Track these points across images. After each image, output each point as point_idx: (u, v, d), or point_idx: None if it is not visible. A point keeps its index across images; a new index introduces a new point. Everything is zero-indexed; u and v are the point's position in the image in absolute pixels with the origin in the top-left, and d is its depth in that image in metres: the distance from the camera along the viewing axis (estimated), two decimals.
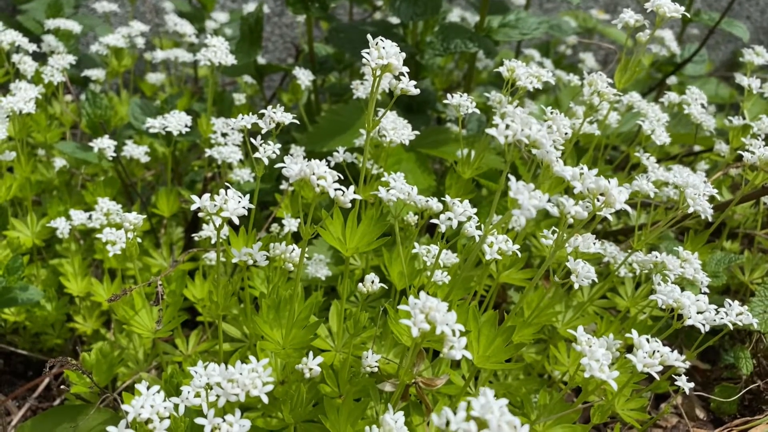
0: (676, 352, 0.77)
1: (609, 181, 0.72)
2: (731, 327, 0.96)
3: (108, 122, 1.68)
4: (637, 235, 1.04)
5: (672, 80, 2.17)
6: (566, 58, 2.71)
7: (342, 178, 0.79)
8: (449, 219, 0.88)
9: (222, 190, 0.83)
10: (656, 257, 1.03)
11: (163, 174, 1.94)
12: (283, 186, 1.48)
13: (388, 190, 0.92)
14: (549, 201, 0.68)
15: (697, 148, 1.85)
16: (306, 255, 1.46)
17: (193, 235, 1.34)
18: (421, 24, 1.80)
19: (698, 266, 1.04)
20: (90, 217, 1.38)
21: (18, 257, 1.39)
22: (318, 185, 0.75)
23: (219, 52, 1.44)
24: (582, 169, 0.75)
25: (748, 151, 1.07)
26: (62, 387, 1.30)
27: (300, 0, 1.64)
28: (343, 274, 1.10)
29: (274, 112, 1.00)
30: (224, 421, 0.69)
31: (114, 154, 1.47)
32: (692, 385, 0.97)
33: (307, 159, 1.54)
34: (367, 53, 0.85)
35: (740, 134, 1.42)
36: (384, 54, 0.85)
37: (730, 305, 0.98)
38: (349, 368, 1.06)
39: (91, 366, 1.22)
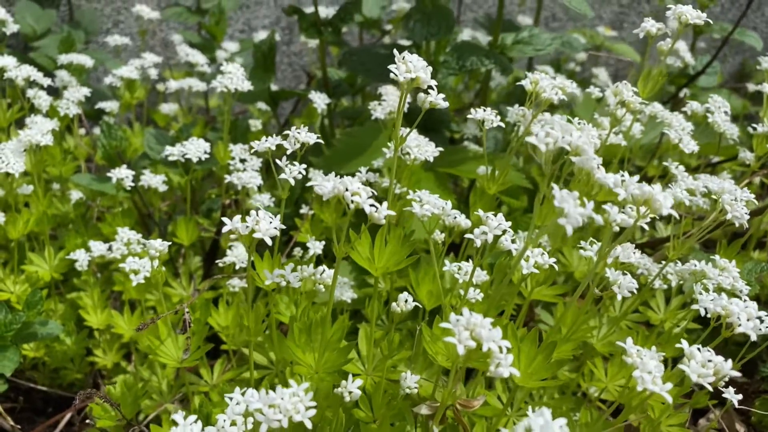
0: (729, 361, 0.75)
1: (653, 187, 0.70)
2: None
3: (124, 153, 1.67)
4: (672, 244, 1.02)
5: (683, 93, 2.16)
6: (576, 75, 2.70)
7: (374, 193, 0.77)
8: (484, 233, 0.86)
9: (252, 211, 0.81)
10: (695, 265, 1.00)
11: (179, 204, 1.93)
12: (303, 210, 1.46)
13: (421, 206, 0.90)
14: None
15: (715, 159, 1.83)
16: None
17: (217, 261, 1.33)
18: (433, 45, 1.79)
19: (737, 274, 1.02)
20: (110, 248, 1.36)
21: (37, 291, 1.38)
22: (352, 202, 0.73)
23: (235, 78, 1.44)
24: (623, 176, 0.73)
25: None
26: (86, 421, 1.27)
27: (313, 25, 1.64)
28: (370, 296, 1.07)
29: (299, 132, 0.99)
30: None
31: (132, 184, 1.46)
32: (740, 397, 0.94)
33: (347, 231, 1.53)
34: (395, 68, 0.84)
35: (765, 141, 1.40)
36: (412, 68, 0.83)
37: None
38: (383, 392, 1.04)
39: (116, 399, 1.19)
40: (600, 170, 0.72)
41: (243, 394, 0.73)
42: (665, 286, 1.15)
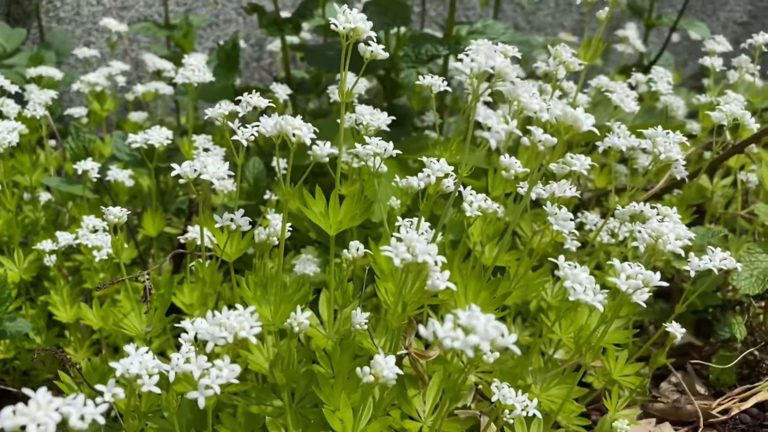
0: (658, 273, 0.78)
1: (575, 109, 0.74)
2: (716, 272, 0.96)
3: (92, 153, 1.70)
4: (613, 197, 1.06)
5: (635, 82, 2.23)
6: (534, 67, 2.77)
7: (317, 131, 0.81)
8: (428, 177, 0.89)
9: (201, 156, 0.84)
10: (634, 206, 1.04)
11: (149, 206, 1.95)
12: (267, 196, 1.49)
13: (364, 146, 0.94)
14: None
15: None
16: (293, 260, 1.46)
17: (179, 236, 1.35)
18: (394, 42, 1.85)
19: (678, 219, 1.05)
20: (76, 237, 1.38)
21: (5, 288, 1.39)
22: (294, 135, 0.77)
23: (197, 70, 1.48)
24: (548, 102, 0.77)
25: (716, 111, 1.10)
26: None
27: (273, 22, 1.69)
28: (329, 264, 1.10)
29: (251, 97, 1.03)
30: (213, 365, 0.69)
31: (98, 176, 1.48)
32: (684, 331, 0.98)
33: (293, 172, 1.56)
34: (335, 22, 0.88)
35: (709, 110, 1.46)
36: (351, 18, 0.88)
37: (713, 251, 0.99)
38: (340, 349, 1.06)
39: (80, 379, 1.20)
40: (525, 96, 0.76)
41: (193, 323, 0.75)
42: (613, 240, 1.19)
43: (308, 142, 0.78)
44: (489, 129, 0.68)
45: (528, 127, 0.74)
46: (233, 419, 1.02)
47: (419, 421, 1.00)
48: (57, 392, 1.42)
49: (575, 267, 0.76)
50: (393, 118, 1.23)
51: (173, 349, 1.36)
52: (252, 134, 1.03)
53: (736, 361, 1.28)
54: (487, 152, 1.76)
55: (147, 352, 0.74)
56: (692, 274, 0.92)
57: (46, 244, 1.42)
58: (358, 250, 0.99)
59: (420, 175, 0.91)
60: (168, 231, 1.77)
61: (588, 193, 1.56)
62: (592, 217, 1.13)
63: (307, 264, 1.29)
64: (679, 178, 1.08)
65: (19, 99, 1.84)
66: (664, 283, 0.78)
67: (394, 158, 1.66)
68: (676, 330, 0.98)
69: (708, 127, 1.50)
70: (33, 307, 1.68)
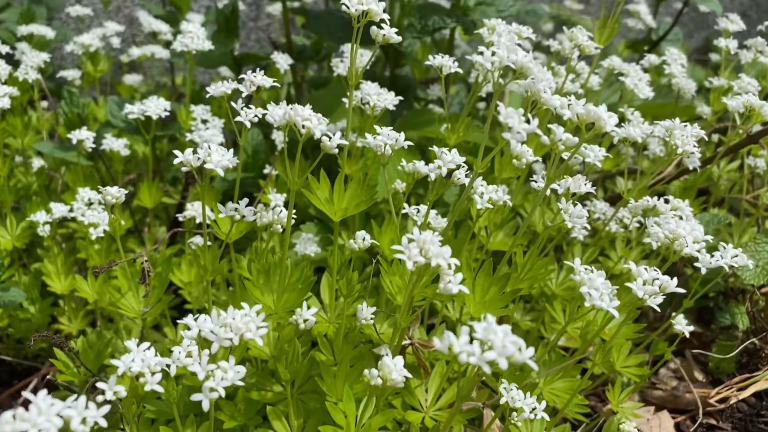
0: (675, 279, 0.76)
1: (599, 107, 0.71)
2: (727, 269, 0.95)
3: (86, 120, 1.65)
4: (625, 187, 1.03)
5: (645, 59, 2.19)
6: (542, 47, 2.72)
7: (326, 121, 0.77)
8: (438, 168, 0.86)
9: (205, 144, 0.81)
10: (647, 201, 1.02)
11: (144, 174, 1.91)
12: (267, 170, 1.46)
13: (374, 137, 0.91)
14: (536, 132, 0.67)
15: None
16: (293, 239, 1.44)
17: (177, 215, 1.32)
18: (398, 10, 1.79)
19: (689, 213, 1.03)
20: (71, 209, 1.34)
21: None
22: (303, 127, 0.73)
23: (195, 38, 1.43)
24: (570, 99, 0.74)
25: (734, 98, 1.07)
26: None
27: None
28: (333, 246, 1.08)
29: (255, 76, 0.99)
30: (218, 367, 0.67)
31: (93, 145, 1.44)
32: (691, 328, 0.96)
33: (290, 147, 1.52)
34: (346, 3, 0.84)
35: (721, 95, 1.43)
36: (364, 0, 0.84)
37: (725, 248, 0.97)
38: (343, 336, 1.04)
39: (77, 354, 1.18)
40: (547, 92, 0.73)
41: (196, 320, 0.72)
42: (621, 230, 1.17)
43: (318, 135, 0.74)
44: (509, 129, 0.65)
45: (548, 126, 0.71)
46: (232, 405, 1.00)
47: (422, 411, 0.99)
48: (50, 365, 1.40)
49: (591, 271, 0.74)
50: (399, 98, 1.19)
51: (170, 326, 1.34)
52: (256, 116, 0.99)
53: (736, 351, 1.28)
54: (491, 128, 1.72)
55: (149, 348, 0.72)
56: (703, 270, 0.90)
57: (40, 216, 1.39)
58: (363, 239, 0.96)
59: (430, 166, 0.87)
60: (164, 201, 1.74)
61: (594, 174, 1.54)
62: (601, 206, 1.10)
63: (308, 244, 1.27)
64: (691, 168, 1.05)
65: (10, 58, 1.79)
66: (681, 290, 0.76)
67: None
68: (683, 326, 0.97)
69: (718, 111, 1.47)
70: (26, 273, 1.65)
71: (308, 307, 0.86)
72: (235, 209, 0.87)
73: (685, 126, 0.95)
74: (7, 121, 1.77)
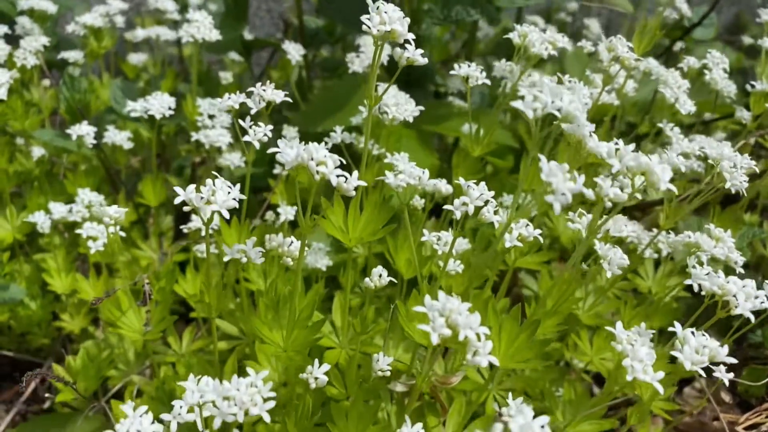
0: (725, 346, 0.69)
1: (650, 158, 0.63)
2: None
3: (87, 107, 1.57)
4: (665, 212, 0.95)
5: (677, 46, 2.07)
6: (568, 25, 2.60)
7: (343, 162, 0.70)
8: (464, 204, 0.78)
9: (209, 180, 0.73)
10: (689, 237, 0.94)
11: (151, 159, 1.84)
12: (277, 170, 1.38)
13: (396, 175, 0.83)
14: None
15: (708, 116, 1.76)
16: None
17: (182, 227, 1.25)
18: None
19: (732, 245, 0.96)
20: (71, 210, 1.28)
21: None
22: (318, 172, 0.66)
23: (202, 27, 1.34)
24: (617, 143, 0.66)
25: None
26: (47, 395, 1.21)
27: None
28: (345, 263, 1.01)
29: (264, 90, 0.91)
30: None
31: (94, 141, 1.36)
32: (731, 375, 0.90)
33: (301, 140, 1.44)
34: (368, 19, 0.75)
35: (762, 100, 1.33)
36: (387, 19, 0.75)
37: None
38: (356, 367, 0.98)
39: (77, 372, 1.13)
40: (593, 138, 0.64)
41: (198, 381, 0.66)
42: (656, 255, 1.09)
43: (334, 182, 0.67)
44: (552, 191, 0.57)
45: (595, 180, 0.63)
46: None
47: None
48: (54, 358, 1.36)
49: (635, 339, 0.67)
50: (421, 108, 1.10)
51: (174, 335, 1.29)
52: (265, 134, 0.92)
53: (767, 380, 1.21)
54: (513, 123, 1.63)
55: (146, 412, 0.66)
56: (752, 319, 0.81)
57: (39, 216, 1.32)
58: (380, 276, 0.89)
59: (456, 202, 0.80)
60: (169, 194, 1.67)
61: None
62: (632, 228, 1.03)
63: (318, 256, 1.20)
64: (734, 191, 0.97)
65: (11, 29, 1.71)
66: (733, 360, 0.69)
67: (413, 128, 1.55)
68: (722, 374, 0.90)
69: (760, 113, 1.38)
70: (27, 261, 1.60)
71: (319, 365, 0.80)
72: (243, 251, 0.80)
73: (735, 155, 0.87)
74: (7, 104, 1.70)
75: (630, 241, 1.05)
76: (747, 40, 2.33)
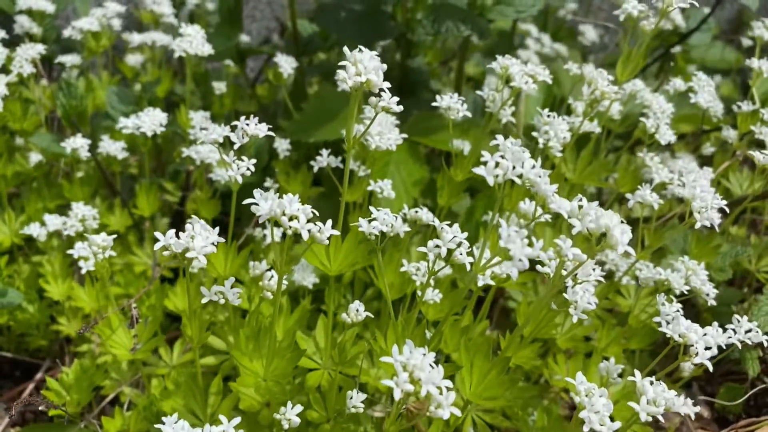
0: (682, 397, 0.72)
1: (611, 219, 0.65)
2: (740, 346, 0.90)
3: (83, 114, 1.59)
4: (647, 234, 0.98)
5: (675, 47, 2.07)
6: (566, 22, 2.59)
7: (316, 214, 0.72)
8: (437, 247, 0.81)
9: (188, 224, 0.76)
10: (660, 274, 0.96)
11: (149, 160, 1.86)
12: (268, 183, 1.41)
13: (369, 222, 0.85)
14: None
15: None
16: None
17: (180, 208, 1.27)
18: (411, 1, 1.69)
19: (705, 278, 0.98)
20: (65, 224, 1.31)
21: None
22: (290, 227, 0.68)
23: (195, 41, 1.35)
24: (581, 201, 0.68)
25: (759, 152, 1.00)
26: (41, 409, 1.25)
27: None
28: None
29: (247, 124, 0.93)
30: None
31: (88, 154, 1.39)
32: (697, 409, 0.92)
33: (294, 149, 1.45)
34: (343, 68, 0.77)
35: (749, 120, 1.34)
36: (362, 69, 0.76)
37: (739, 321, 0.92)
38: (337, 389, 1.01)
39: (69, 386, 1.17)
40: (555, 197, 0.66)
41: (176, 421, 0.69)
42: (633, 282, 1.12)
43: (306, 236, 0.69)
44: (510, 257, 0.59)
45: (555, 241, 0.65)
46: None
47: None
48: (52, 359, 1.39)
49: (593, 391, 0.69)
50: (403, 135, 1.12)
51: (165, 346, 1.32)
52: (248, 168, 0.94)
53: (744, 398, 1.24)
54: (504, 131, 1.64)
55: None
56: (706, 363, 0.83)
57: (34, 228, 1.35)
58: (357, 311, 0.91)
59: (429, 244, 0.82)
60: (166, 198, 1.70)
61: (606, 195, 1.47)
62: (612, 256, 1.05)
63: (305, 273, 1.22)
64: (708, 225, 0.98)
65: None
66: (693, 410, 0.72)
67: (405, 139, 1.56)
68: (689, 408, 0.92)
69: (745, 132, 1.39)
70: (26, 262, 1.64)
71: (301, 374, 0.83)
72: (221, 293, 0.83)
73: (707, 193, 0.88)
74: (6, 107, 1.72)
75: (608, 269, 1.07)
76: (747, 42, 2.33)
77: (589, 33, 2.14)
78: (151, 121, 1.29)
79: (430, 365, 0.64)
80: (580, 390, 0.69)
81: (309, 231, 0.69)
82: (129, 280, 1.49)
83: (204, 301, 0.82)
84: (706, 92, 1.26)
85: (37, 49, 1.59)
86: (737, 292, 1.47)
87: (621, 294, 1.29)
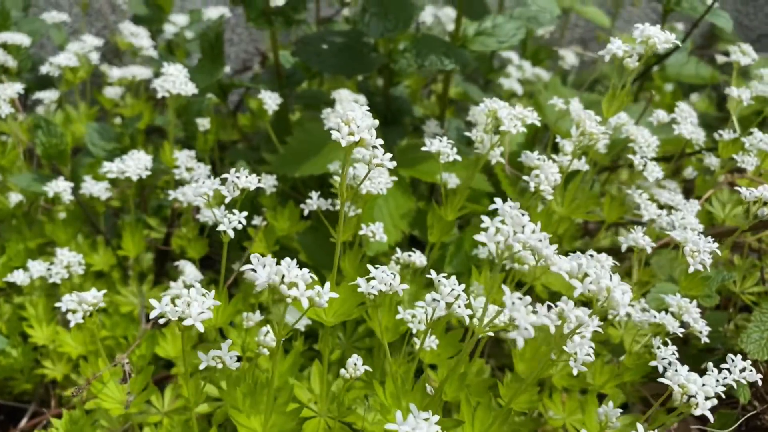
0: None
1: (611, 278, 0.66)
2: (735, 386, 0.91)
3: (63, 153, 1.57)
4: (634, 285, 0.98)
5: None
6: (544, 40, 2.61)
7: (314, 278, 0.71)
8: (435, 300, 0.81)
9: (184, 289, 0.75)
10: (654, 317, 0.97)
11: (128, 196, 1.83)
12: (256, 221, 1.39)
13: (368, 281, 0.84)
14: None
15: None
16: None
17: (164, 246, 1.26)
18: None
19: (697, 316, 0.99)
20: (49, 270, 1.29)
21: None
22: (289, 296, 0.67)
23: (177, 80, 1.34)
24: (580, 260, 0.68)
25: (746, 188, 1.01)
26: None
27: (262, 14, 1.53)
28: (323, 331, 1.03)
29: (238, 177, 0.92)
30: None
31: (71, 197, 1.37)
32: None
33: (279, 182, 1.43)
34: (336, 131, 0.77)
35: (730, 147, 1.36)
36: (355, 129, 0.76)
37: (733, 361, 0.93)
38: None
39: None
40: (555, 258, 0.67)
41: None
42: (626, 319, 1.13)
43: (306, 304, 0.68)
44: (515, 326, 0.59)
45: (557, 305, 0.65)
46: None
47: None
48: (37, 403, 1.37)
49: None
50: (394, 178, 1.12)
51: (156, 393, 1.30)
52: (240, 221, 0.93)
53: (737, 425, 1.25)
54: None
55: None
56: (707, 414, 0.83)
57: (18, 276, 1.33)
58: (355, 365, 0.91)
59: (428, 298, 0.82)
60: (151, 235, 1.68)
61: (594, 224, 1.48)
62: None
63: (296, 313, 1.21)
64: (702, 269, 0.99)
65: None
66: None
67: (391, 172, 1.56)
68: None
69: (726, 158, 1.41)
70: (8, 301, 1.60)
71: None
72: (219, 357, 0.82)
73: (701, 237, 0.89)
74: None
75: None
76: (721, 58, 2.36)
77: (569, 57, 2.17)
78: (136, 165, 1.27)
79: None
80: None
81: (309, 299, 0.68)
82: (115, 322, 1.47)
83: (202, 367, 0.81)
84: (689, 123, 1.28)
85: (15, 89, 1.57)
86: (723, 313, 1.49)
87: (612, 325, 1.30)
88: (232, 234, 0.90)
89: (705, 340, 0.99)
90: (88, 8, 2.05)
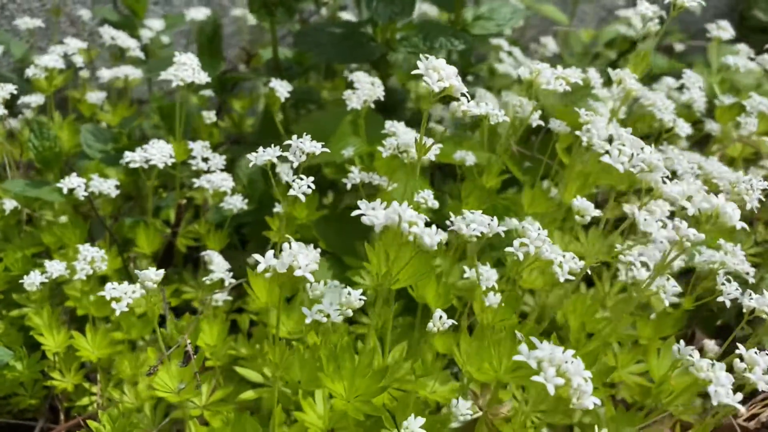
0: None
1: (719, 197, 0.68)
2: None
3: (58, 156, 1.51)
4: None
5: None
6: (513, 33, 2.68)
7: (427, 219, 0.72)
8: (522, 245, 0.82)
9: (285, 245, 0.73)
10: (713, 256, 1.01)
11: (123, 201, 1.77)
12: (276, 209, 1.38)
13: (468, 225, 0.84)
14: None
15: None
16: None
17: (204, 279, 1.23)
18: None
19: (743, 257, 1.03)
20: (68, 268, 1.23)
21: None
22: (410, 233, 0.67)
23: (191, 69, 1.32)
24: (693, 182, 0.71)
25: None
26: None
27: (264, 6, 1.52)
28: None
29: (302, 142, 0.91)
30: None
31: (86, 194, 1.32)
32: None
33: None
34: (427, 78, 0.77)
35: (728, 113, 1.44)
36: (444, 75, 0.77)
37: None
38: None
39: None
40: (666, 183, 0.69)
41: None
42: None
43: (428, 242, 0.68)
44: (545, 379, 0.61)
45: (675, 223, 0.68)
46: None
47: None
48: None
49: (713, 363, 0.72)
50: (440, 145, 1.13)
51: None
52: (308, 186, 0.92)
53: None
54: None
55: None
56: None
57: (34, 277, 1.26)
58: (441, 318, 0.91)
59: (516, 244, 0.83)
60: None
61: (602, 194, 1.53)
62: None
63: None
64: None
65: None
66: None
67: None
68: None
69: (725, 124, 1.48)
70: (2, 318, 1.52)
71: None
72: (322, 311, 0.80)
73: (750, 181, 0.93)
74: None
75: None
76: (679, 47, 2.49)
77: (551, 45, 2.24)
78: (161, 153, 1.24)
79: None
80: (702, 366, 0.72)
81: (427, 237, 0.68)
82: (131, 323, 1.41)
83: (308, 321, 0.80)
84: (697, 88, 1.35)
85: (8, 90, 1.50)
86: None
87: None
88: (302, 198, 0.89)
89: (751, 280, 1.03)
90: (60, 15, 1.98)
